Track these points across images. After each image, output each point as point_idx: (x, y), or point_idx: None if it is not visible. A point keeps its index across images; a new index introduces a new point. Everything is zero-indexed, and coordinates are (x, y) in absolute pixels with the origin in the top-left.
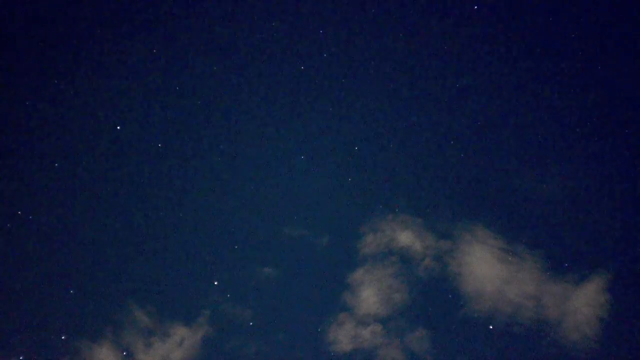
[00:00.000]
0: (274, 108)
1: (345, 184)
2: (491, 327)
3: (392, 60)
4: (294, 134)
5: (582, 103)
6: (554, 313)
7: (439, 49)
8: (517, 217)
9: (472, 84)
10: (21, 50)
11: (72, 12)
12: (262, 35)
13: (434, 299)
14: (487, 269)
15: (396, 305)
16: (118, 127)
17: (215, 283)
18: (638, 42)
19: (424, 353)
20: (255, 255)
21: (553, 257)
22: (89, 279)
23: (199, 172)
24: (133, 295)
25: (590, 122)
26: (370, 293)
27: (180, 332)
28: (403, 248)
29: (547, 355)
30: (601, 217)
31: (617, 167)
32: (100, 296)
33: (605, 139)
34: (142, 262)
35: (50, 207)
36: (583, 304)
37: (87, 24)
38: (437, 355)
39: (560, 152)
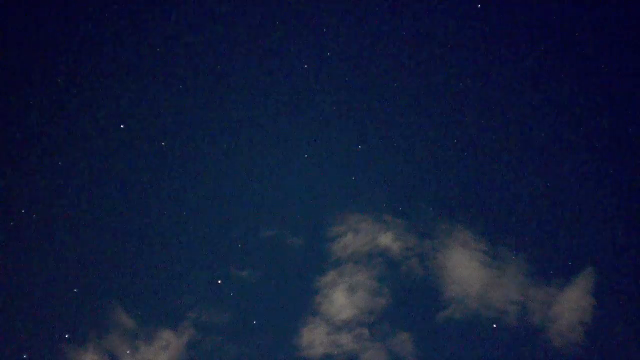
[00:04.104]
0: (258, 110)
1: (325, 184)
2: (494, 325)
3: (385, 61)
4: (274, 134)
5: (565, 106)
6: (539, 317)
7: (431, 49)
8: (500, 220)
9: (455, 85)
10: (24, 49)
11: (74, 11)
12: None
13: (416, 302)
14: (471, 272)
15: (377, 308)
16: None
17: (219, 282)
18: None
19: (407, 357)
20: (235, 258)
21: (537, 261)
22: (74, 282)
23: (180, 176)
24: (118, 298)
25: (574, 125)
26: (351, 295)
27: (164, 335)
28: (385, 250)
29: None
30: (585, 219)
31: (602, 170)
32: (85, 299)
33: (590, 142)
34: (128, 264)
35: (36, 208)
36: (567, 309)
37: (90, 23)
38: (420, 359)
39: (545, 154)
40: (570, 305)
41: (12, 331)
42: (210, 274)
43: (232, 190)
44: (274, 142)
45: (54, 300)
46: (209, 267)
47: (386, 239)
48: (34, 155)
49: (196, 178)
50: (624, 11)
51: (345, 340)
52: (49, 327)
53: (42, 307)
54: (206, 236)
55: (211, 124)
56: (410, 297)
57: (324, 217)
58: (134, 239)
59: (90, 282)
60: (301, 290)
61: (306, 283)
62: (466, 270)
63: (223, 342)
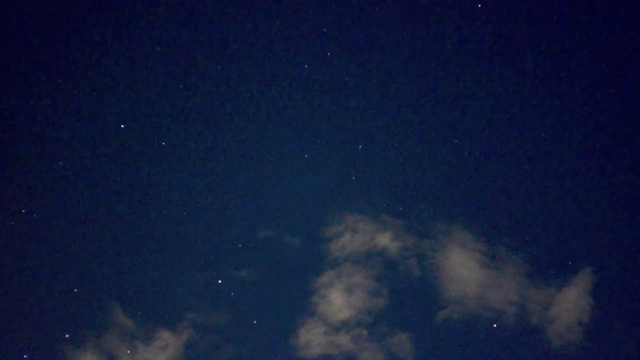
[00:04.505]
0: (255, 110)
1: (323, 184)
2: (495, 325)
3: (385, 61)
4: (272, 134)
5: (562, 107)
6: (537, 317)
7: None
8: (499, 220)
9: (454, 86)
10: (25, 49)
11: (74, 11)
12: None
13: (414, 302)
14: (469, 273)
15: (375, 308)
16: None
17: (220, 282)
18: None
19: (405, 357)
20: (233, 258)
21: (535, 261)
22: (73, 282)
23: (178, 176)
24: (116, 298)
25: (572, 126)
26: (349, 296)
27: (163, 335)
28: (383, 250)
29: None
30: (583, 220)
31: (600, 170)
32: (84, 299)
33: (588, 143)
34: (126, 265)
35: (36, 208)
36: (566, 309)
37: (90, 23)
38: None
39: (543, 155)
40: (569, 305)
41: (12, 331)
42: (209, 274)
43: (230, 190)
44: (272, 142)
45: (53, 300)
46: (208, 267)
47: (384, 239)
48: (34, 155)
49: (194, 178)
50: (624, 11)
51: (343, 340)
52: (49, 327)
53: (41, 307)
54: (204, 236)
55: (209, 124)
56: (408, 298)
57: (321, 217)
58: (132, 239)
59: (88, 283)
60: (299, 291)
61: (304, 283)
62: (464, 270)
63: (221, 342)
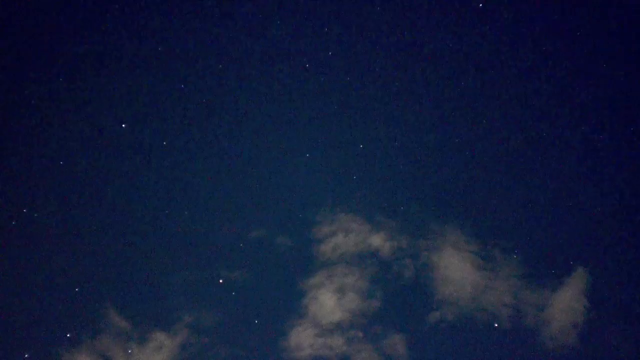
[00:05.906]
0: (250, 111)
1: (316, 184)
2: (496, 325)
3: (382, 62)
4: (266, 134)
5: (557, 108)
6: (531, 319)
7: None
8: (492, 221)
9: (447, 87)
10: (26, 49)
11: (75, 10)
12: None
13: (408, 304)
14: (463, 274)
15: (368, 309)
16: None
17: (220, 281)
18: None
19: (399, 359)
20: (227, 259)
21: (529, 262)
22: (68, 283)
23: (172, 178)
24: (111, 299)
25: (566, 128)
26: (342, 297)
27: (158, 336)
28: (376, 251)
29: None
30: (577, 220)
31: (594, 171)
32: (79, 301)
33: (581, 144)
34: (121, 266)
35: (29, 208)
36: (560, 310)
37: (91, 23)
38: None
39: (537, 156)
40: (563, 307)
41: (12, 332)
42: (202, 275)
43: (222, 191)
44: (265, 142)
45: (48, 301)
46: (201, 268)
47: (377, 240)
48: (34, 156)
49: (187, 179)
50: (624, 11)
51: (336, 342)
52: (48, 328)
53: (36, 308)
54: (197, 237)
55: (203, 125)
56: (402, 299)
57: (313, 217)
58: (126, 240)
59: (84, 284)
60: (290, 292)
61: (296, 285)
62: (458, 271)
63: (215, 343)
